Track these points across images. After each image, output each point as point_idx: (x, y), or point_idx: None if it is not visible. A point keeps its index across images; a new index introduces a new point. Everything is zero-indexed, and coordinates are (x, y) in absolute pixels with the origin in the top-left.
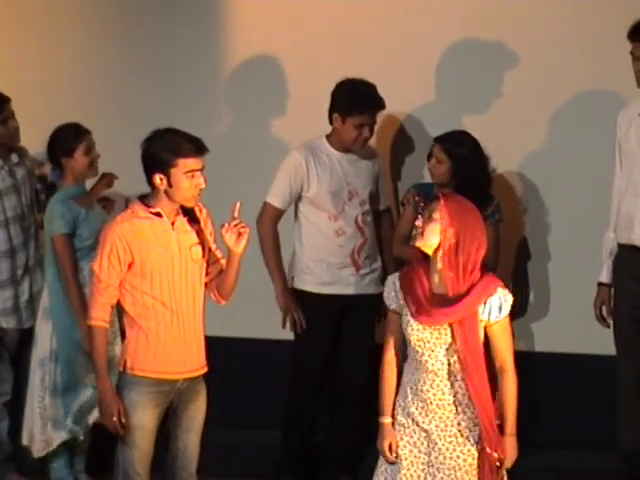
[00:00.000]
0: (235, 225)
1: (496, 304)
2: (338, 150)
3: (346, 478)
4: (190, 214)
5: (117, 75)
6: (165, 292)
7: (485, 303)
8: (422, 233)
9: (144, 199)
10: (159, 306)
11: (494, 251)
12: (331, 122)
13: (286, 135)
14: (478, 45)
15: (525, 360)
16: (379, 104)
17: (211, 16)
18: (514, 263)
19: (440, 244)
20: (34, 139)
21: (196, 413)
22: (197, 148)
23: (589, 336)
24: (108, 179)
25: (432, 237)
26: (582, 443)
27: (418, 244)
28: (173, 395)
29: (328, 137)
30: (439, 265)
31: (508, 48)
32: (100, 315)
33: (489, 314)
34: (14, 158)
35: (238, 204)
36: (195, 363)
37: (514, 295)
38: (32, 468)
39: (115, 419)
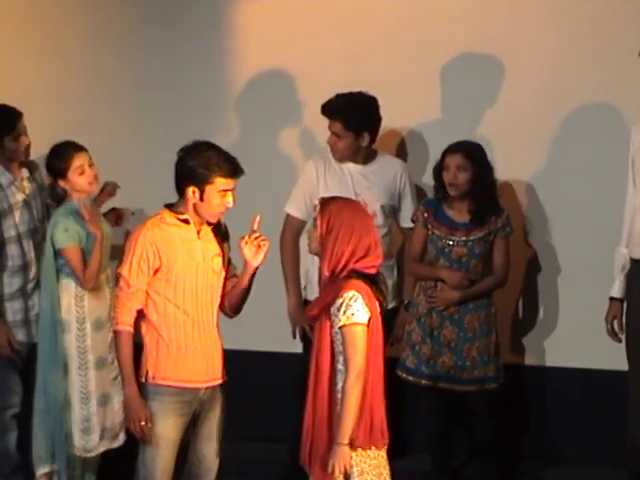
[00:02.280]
0: (255, 238)
1: (339, 307)
2: (350, 161)
3: None
4: (216, 225)
5: (126, 87)
6: (187, 300)
7: (333, 304)
8: (309, 240)
9: (171, 207)
10: (180, 314)
11: (504, 263)
12: None
13: (296, 146)
14: (487, 57)
15: (535, 375)
16: (325, 108)
17: (220, 27)
18: (524, 276)
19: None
20: (42, 152)
21: (216, 422)
22: (234, 169)
23: (600, 351)
24: (110, 188)
25: (315, 242)
26: (592, 458)
27: (310, 253)
28: (196, 404)
29: None
30: None
31: (518, 60)
32: (127, 320)
33: (334, 315)
34: (24, 173)
35: (258, 218)
36: (216, 372)
37: (524, 309)
38: None
39: (143, 424)
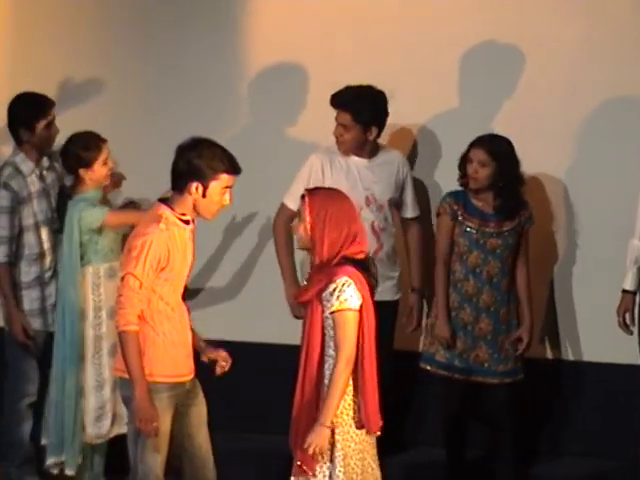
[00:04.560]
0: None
1: (332, 292)
2: (356, 155)
3: None
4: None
5: (136, 82)
6: (174, 297)
7: (326, 289)
8: (297, 234)
9: (166, 203)
10: (170, 311)
11: (525, 256)
12: None
13: (305, 140)
14: (503, 53)
15: (553, 368)
16: (334, 99)
17: (231, 22)
18: (539, 270)
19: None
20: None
21: (201, 407)
22: (235, 166)
23: (621, 345)
24: (117, 179)
25: (303, 234)
26: (607, 453)
27: (298, 246)
28: (182, 397)
29: None
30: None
31: (535, 56)
32: (135, 320)
33: (327, 300)
34: (45, 162)
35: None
36: (193, 362)
37: (545, 302)
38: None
39: (155, 424)
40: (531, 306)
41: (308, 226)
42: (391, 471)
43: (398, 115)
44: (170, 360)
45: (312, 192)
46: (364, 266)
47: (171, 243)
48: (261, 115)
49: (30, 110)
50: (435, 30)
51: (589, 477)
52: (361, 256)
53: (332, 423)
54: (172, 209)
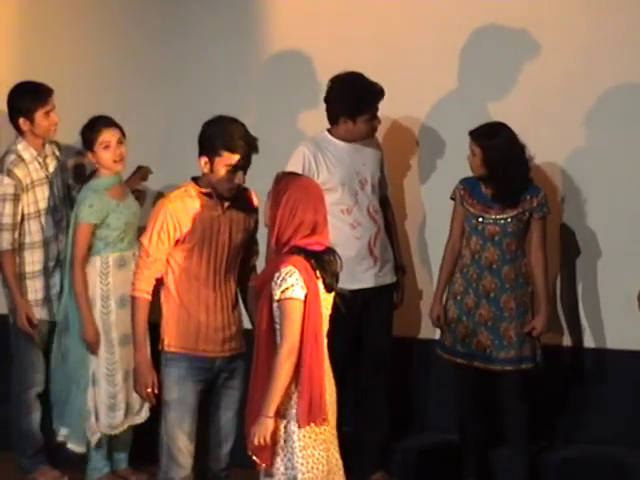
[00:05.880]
0: None
1: (276, 281)
2: (342, 141)
3: (380, 472)
4: (246, 199)
5: (150, 68)
6: (210, 273)
7: (272, 278)
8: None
9: (197, 180)
10: (200, 285)
11: (541, 244)
12: (332, 123)
13: (318, 128)
14: (514, 38)
15: (574, 356)
16: (381, 94)
17: (245, 8)
18: (556, 256)
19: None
20: (70, 133)
21: (233, 392)
22: (244, 146)
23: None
24: (143, 172)
25: (266, 214)
26: (630, 440)
27: (265, 225)
28: (213, 373)
29: (330, 131)
30: None
31: (546, 41)
32: (144, 287)
33: (273, 289)
34: (48, 150)
35: None
36: (234, 343)
37: (561, 290)
38: (63, 460)
39: (149, 390)
40: (547, 295)
41: (269, 204)
42: (400, 456)
43: (405, 99)
44: (191, 333)
45: (281, 176)
46: (317, 257)
47: (185, 215)
48: (275, 103)
49: (28, 99)
50: (448, 15)
51: (612, 465)
52: (317, 247)
53: (286, 414)
54: (196, 183)
